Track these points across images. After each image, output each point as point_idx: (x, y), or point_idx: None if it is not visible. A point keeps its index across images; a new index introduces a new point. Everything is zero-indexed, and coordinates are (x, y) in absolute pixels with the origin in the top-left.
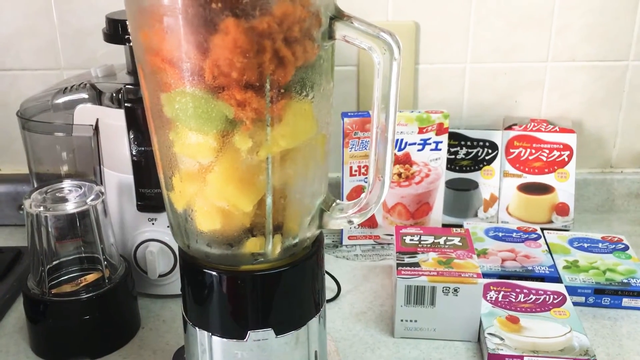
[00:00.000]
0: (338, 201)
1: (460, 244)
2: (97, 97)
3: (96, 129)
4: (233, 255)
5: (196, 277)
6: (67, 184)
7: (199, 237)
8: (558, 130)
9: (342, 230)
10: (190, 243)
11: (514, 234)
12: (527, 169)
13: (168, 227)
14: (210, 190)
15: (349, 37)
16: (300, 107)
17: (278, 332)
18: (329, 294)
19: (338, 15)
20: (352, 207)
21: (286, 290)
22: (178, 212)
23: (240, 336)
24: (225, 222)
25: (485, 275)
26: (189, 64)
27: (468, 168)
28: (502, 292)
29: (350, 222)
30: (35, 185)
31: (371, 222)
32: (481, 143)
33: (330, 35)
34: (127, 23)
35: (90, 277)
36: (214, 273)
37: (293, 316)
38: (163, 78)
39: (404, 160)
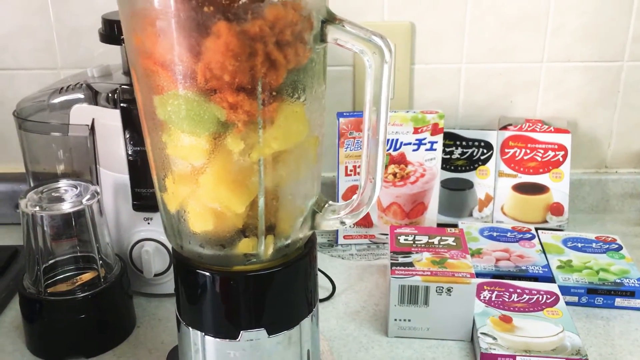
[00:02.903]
0: (330, 202)
1: (454, 244)
2: (93, 97)
3: (92, 128)
4: (226, 256)
5: (189, 278)
6: (63, 183)
7: (191, 238)
8: (553, 130)
9: (337, 229)
10: (184, 244)
11: (509, 234)
12: (522, 169)
13: None
14: (203, 191)
15: (340, 41)
16: (292, 109)
17: (270, 332)
18: (323, 294)
19: (330, 19)
20: (344, 208)
21: (279, 291)
22: (171, 213)
23: (233, 336)
24: (217, 223)
25: (479, 275)
26: (182, 66)
27: (463, 168)
28: (495, 292)
29: (342, 222)
30: (32, 185)
31: (366, 222)
32: (476, 143)
33: (322, 38)
34: (121, 26)
35: (86, 277)
36: (207, 273)
37: (285, 316)
38: (156, 80)
39: (399, 160)
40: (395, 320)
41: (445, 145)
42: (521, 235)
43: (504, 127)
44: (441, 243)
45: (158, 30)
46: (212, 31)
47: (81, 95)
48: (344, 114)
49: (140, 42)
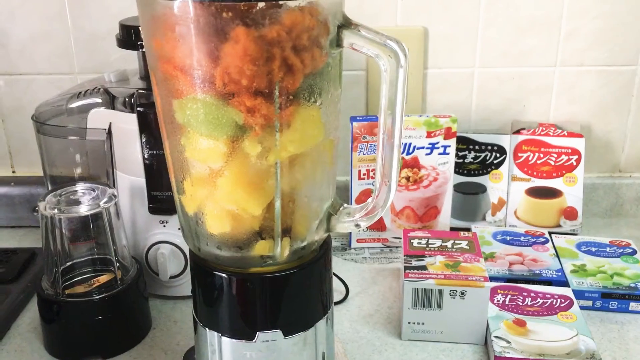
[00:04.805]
0: (345, 205)
1: (468, 247)
2: (110, 101)
3: (109, 132)
4: (242, 257)
5: (206, 279)
6: (80, 186)
7: (209, 239)
8: (566, 134)
9: (350, 233)
10: (201, 246)
11: (522, 238)
12: (535, 173)
13: (179, 229)
14: (221, 194)
15: (356, 45)
16: (308, 113)
17: (286, 333)
18: (337, 297)
19: (346, 24)
20: (359, 211)
21: (294, 292)
22: (189, 215)
23: (249, 337)
24: (234, 226)
25: (492, 278)
26: (200, 71)
27: (476, 172)
28: (509, 296)
29: (357, 225)
30: (50, 188)
31: (380, 225)
32: (489, 147)
33: (338, 43)
34: (141, 31)
35: (103, 278)
36: (224, 275)
37: (301, 318)
38: (175, 85)
39: (412, 164)
40: (409, 323)
41: (458, 149)
42: (534, 239)
43: (517, 131)
44: (454, 246)
45: (177, 35)
46: (231, 36)
47: (99, 100)
48: (357, 118)
49: (160, 46)
